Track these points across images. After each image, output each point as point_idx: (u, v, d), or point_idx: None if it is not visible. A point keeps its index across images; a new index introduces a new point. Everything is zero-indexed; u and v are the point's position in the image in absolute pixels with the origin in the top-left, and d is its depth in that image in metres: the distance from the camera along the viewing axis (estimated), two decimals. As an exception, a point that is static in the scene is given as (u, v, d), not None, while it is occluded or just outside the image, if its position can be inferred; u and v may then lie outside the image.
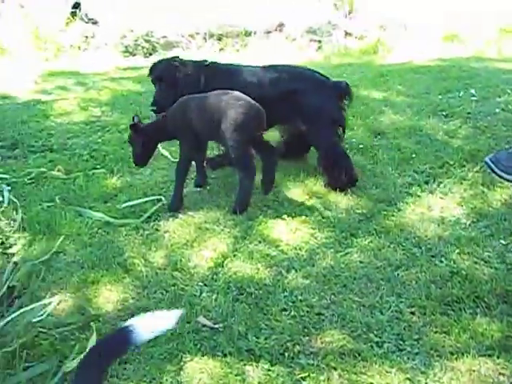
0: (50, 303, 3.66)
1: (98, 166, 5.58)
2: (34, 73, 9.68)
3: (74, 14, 12.26)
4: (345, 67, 9.25)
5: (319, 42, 10.81)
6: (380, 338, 3.32)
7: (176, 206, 4.59)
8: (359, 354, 3.19)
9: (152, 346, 3.26)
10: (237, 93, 4.43)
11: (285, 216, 4.49)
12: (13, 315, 3.56)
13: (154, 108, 4.99)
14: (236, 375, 3.06)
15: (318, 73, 5.13)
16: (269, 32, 11.22)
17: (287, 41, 10.90)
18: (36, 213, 4.66)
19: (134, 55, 11.33)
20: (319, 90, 4.96)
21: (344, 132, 5.13)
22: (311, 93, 4.89)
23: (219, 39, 11.28)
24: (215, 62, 5.19)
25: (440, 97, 7.19)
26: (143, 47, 11.33)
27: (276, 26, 11.24)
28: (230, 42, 11.15)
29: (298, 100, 4.77)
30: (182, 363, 3.15)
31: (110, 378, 3.06)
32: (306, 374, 3.05)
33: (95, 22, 12.26)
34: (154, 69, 5.12)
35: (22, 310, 3.60)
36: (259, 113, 4.36)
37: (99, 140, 6.27)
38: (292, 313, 3.50)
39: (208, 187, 5.04)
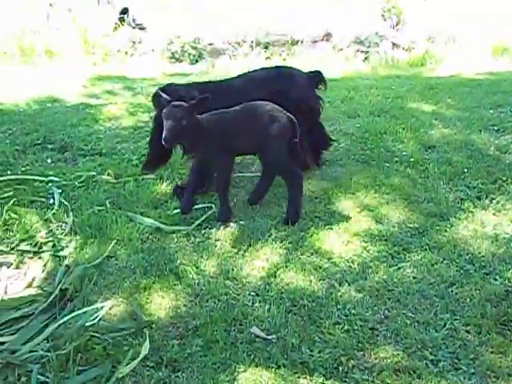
0: (102, 308, 3.68)
1: (148, 172, 5.58)
2: (82, 76, 9.82)
3: (121, 20, 12.40)
4: (393, 79, 9.20)
5: (366, 52, 10.75)
6: (435, 355, 3.25)
7: (225, 217, 4.57)
8: (414, 372, 3.13)
9: (205, 355, 3.25)
10: (271, 104, 4.51)
11: (336, 228, 4.46)
12: (65, 318, 3.59)
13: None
14: (290, 388, 3.03)
15: (293, 68, 5.59)
16: (315, 41, 11.21)
17: (334, 51, 10.88)
18: (87, 216, 4.69)
19: (181, 61, 11.41)
20: (298, 84, 5.29)
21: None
22: (292, 89, 5.19)
23: (266, 47, 11.29)
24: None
25: (491, 111, 7.10)
26: (190, 54, 11.40)
27: (323, 35, 11.23)
28: (277, 50, 11.15)
29: (283, 99, 4.86)
30: (235, 374, 3.12)
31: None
32: (362, 390, 3.01)
33: (142, 28, 12.39)
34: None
35: (74, 314, 3.63)
36: (294, 122, 4.48)
37: (147, 146, 6.27)
38: (345, 327, 3.46)
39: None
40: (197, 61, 11.39)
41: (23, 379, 3.19)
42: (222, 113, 4.48)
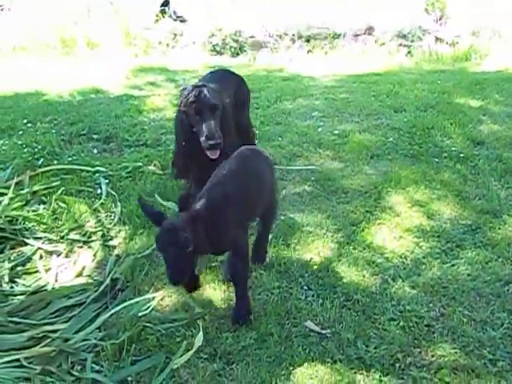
0: (153, 298, 3.67)
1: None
2: (124, 68, 9.84)
3: (163, 12, 12.40)
4: (438, 74, 9.05)
5: (409, 46, 10.60)
6: (493, 355, 3.18)
7: (247, 315, 3.40)
8: (473, 371, 3.07)
9: (260, 348, 3.22)
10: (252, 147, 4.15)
11: (388, 223, 4.40)
12: (117, 308, 3.59)
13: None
14: (347, 382, 2.98)
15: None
16: (357, 35, 11.09)
17: (376, 45, 10.75)
18: (135, 207, 4.67)
19: (222, 54, 11.38)
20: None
21: None
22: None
23: (307, 41, 11.20)
24: None
25: (541, 108, 6.95)
26: (231, 46, 11.36)
27: (365, 29, 11.10)
28: (319, 43, 11.06)
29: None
30: (290, 368, 3.09)
31: (218, 377, 3.03)
32: (420, 387, 2.95)
33: (183, 20, 12.38)
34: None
35: (126, 304, 3.63)
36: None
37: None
38: (401, 323, 3.40)
39: (309, 189, 4.95)
40: (238, 53, 11.35)
41: (77, 367, 3.19)
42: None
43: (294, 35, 11.31)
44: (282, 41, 11.29)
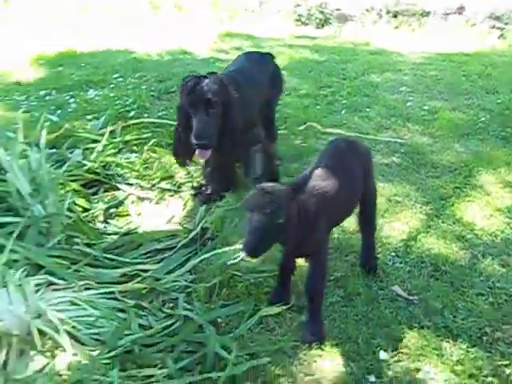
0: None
1: (281, 127, 5.60)
2: (211, 32, 9.91)
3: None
4: (534, 58, 8.77)
5: (502, 29, 10.30)
6: None
7: (321, 335, 3.08)
8: None
9: (346, 306, 3.27)
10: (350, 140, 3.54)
11: (478, 201, 4.35)
12: (207, 255, 3.69)
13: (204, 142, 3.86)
14: (433, 349, 3.00)
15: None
16: (447, 14, 10.82)
17: (467, 25, 10.48)
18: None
19: (306, 25, 11.32)
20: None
21: None
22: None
23: (395, 16, 11.02)
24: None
25: None
26: (316, 18, 11.29)
27: (456, 8, 10.82)
28: (406, 20, 10.87)
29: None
30: (377, 328, 3.13)
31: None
32: (507, 363, 2.94)
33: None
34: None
35: (215, 252, 3.72)
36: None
37: (280, 102, 6.27)
38: (490, 299, 3.38)
39: (398, 161, 4.94)
40: (323, 25, 11.27)
41: (168, 305, 3.31)
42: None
43: (381, 10, 11.13)
44: (369, 15, 11.14)
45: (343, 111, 6.05)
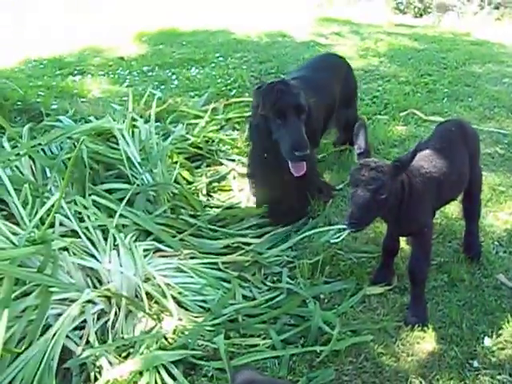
0: (344, 229, 3.76)
1: (382, 113, 5.59)
2: (309, 16, 9.90)
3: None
4: None
5: None
6: None
7: (424, 318, 3.07)
8: None
9: (449, 291, 3.27)
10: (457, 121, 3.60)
11: None
12: (309, 232, 3.74)
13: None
14: (532, 340, 2.97)
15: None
16: (551, 6, 10.48)
17: None
18: (324, 146, 4.78)
19: (405, 13, 11.17)
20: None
21: None
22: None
23: (496, 8, 10.74)
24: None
25: None
26: (415, 6, 11.13)
27: (561, 1, 10.46)
28: (509, 12, 10.58)
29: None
30: (481, 314, 3.11)
31: (406, 310, 3.10)
32: None
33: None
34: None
35: (317, 230, 3.76)
36: None
37: (380, 88, 6.30)
38: None
39: (501, 152, 4.86)
40: (421, 14, 11.10)
41: (271, 278, 3.38)
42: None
43: (482, 1, 10.88)
44: (469, 5, 10.89)
45: (444, 100, 5.97)
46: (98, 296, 3.01)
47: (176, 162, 4.23)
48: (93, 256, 3.24)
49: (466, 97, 6.08)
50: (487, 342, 2.92)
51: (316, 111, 3.75)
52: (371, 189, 2.63)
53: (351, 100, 4.63)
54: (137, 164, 3.91)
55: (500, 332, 2.99)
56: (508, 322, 3.05)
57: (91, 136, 4.07)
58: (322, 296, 3.23)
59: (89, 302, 2.99)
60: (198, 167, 4.52)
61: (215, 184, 4.35)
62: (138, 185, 3.76)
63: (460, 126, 3.37)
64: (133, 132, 4.23)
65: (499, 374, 2.76)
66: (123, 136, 4.04)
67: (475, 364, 2.80)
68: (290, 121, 3.41)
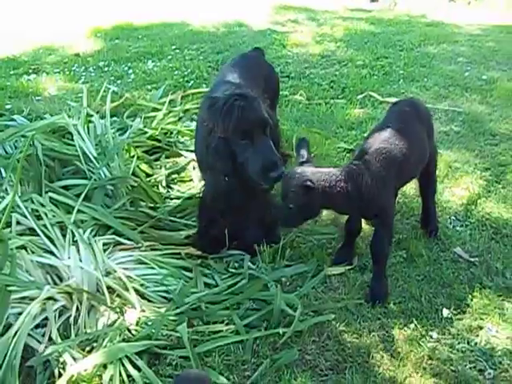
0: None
1: (340, 97, 5.64)
2: (265, 5, 9.89)
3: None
4: None
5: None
6: None
7: (384, 294, 3.12)
8: None
9: (408, 267, 3.33)
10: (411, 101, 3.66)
11: (538, 168, 4.32)
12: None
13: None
14: (495, 308, 3.04)
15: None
16: (504, -13, 10.55)
17: (524, -2, 10.21)
18: (283, 131, 4.78)
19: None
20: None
21: None
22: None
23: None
24: None
25: None
26: (370, -9, 11.17)
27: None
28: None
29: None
30: (439, 287, 3.18)
31: (367, 288, 3.16)
32: None
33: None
34: None
35: (277, 215, 3.76)
36: None
37: (337, 73, 6.35)
38: (551, 261, 3.39)
39: (456, 129, 4.93)
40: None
41: (233, 264, 3.40)
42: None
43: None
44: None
45: (400, 81, 6.05)
46: (59, 292, 2.99)
47: (134, 156, 4.19)
48: (52, 253, 3.22)
49: (421, 77, 6.16)
50: (445, 313, 2.98)
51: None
52: (284, 200, 2.90)
53: (274, 101, 4.11)
54: (93, 159, 3.88)
55: (458, 303, 3.05)
56: (465, 293, 3.11)
57: (46, 133, 4.04)
58: (283, 279, 3.25)
59: (49, 299, 2.96)
60: (157, 159, 4.50)
61: (175, 175, 4.34)
62: (95, 180, 3.74)
63: (413, 105, 3.42)
64: (88, 127, 4.18)
65: (458, 343, 2.81)
66: (78, 132, 4.00)
67: (434, 335, 2.86)
68: (258, 140, 2.99)
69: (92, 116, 4.41)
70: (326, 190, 2.86)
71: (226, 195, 3.22)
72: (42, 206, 3.44)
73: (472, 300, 3.08)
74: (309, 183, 2.79)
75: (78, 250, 3.21)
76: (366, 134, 4.31)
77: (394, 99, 5.34)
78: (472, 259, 3.38)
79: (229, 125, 2.95)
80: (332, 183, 2.87)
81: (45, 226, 3.35)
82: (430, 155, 3.38)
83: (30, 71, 6.68)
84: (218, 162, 3.08)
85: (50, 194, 3.58)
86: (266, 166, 2.93)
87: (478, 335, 2.88)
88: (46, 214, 3.40)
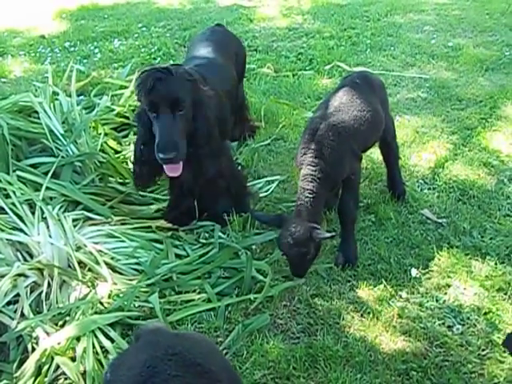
0: (273, 181, 3.83)
1: (308, 68, 5.65)
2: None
3: None
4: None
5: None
6: None
7: (354, 257, 3.18)
8: None
9: (378, 230, 3.36)
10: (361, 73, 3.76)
11: (503, 130, 4.38)
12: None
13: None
14: (462, 266, 3.09)
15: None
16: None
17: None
18: (252, 104, 4.80)
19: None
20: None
21: None
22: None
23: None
24: None
25: None
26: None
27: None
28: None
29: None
30: (408, 248, 3.22)
31: (337, 252, 3.20)
32: (536, 277, 3.01)
33: None
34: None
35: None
36: None
37: (304, 45, 6.35)
38: (517, 219, 3.45)
39: (423, 95, 4.97)
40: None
41: (203, 235, 3.41)
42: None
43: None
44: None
45: (368, 51, 6.06)
46: (30, 269, 3.00)
47: (101, 133, 4.17)
48: (21, 230, 3.21)
49: (388, 46, 6.19)
50: (414, 273, 3.02)
51: (219, 101, 3.38)
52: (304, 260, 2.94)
53: (242, 76, 4.25)
54: (60, 136, 3.85)
55: (426, 263, 3.11)
56: (434, 253, 3.17)
57: (12, 113, 3.98)
58: (254, 247, 3.28)
59: (20, 275, 2.96)
60: (125, 136, 4.47)
61: (144, 151, 4.30)
62: (62, 157, 3.71)
63: (365, 77, 3.46)
64: (54, 105, 4.14)
65: (427, 301, 2.87)
66: (44, 110, 3.97)
67: (404, 295, 2.91)
68: (161, 117, 2.94)
69: (58, 94, 4.36)
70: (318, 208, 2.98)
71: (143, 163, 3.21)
72: (10, 184, 3.42)
73: (440, 259, 3.13)
74: (311, 233, 2.83)
75: (48, 227, 3.21)
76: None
77: (361, 68, 5.39)
78: (440, 220, 3.43)
79: (141, 93, 2.97)
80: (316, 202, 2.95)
81: (13, 204, 3.33)
82: (386, 125, 3.41)
83: (-4, 54, 6.59)
84: (138, 128, 3.20)
85: (18, 172, 3.54)
86: (158, 146, 2.91)
87: (446, 293, 2.93)
88: (14, 193, 3.38)
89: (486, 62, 5.64)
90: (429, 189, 3.72)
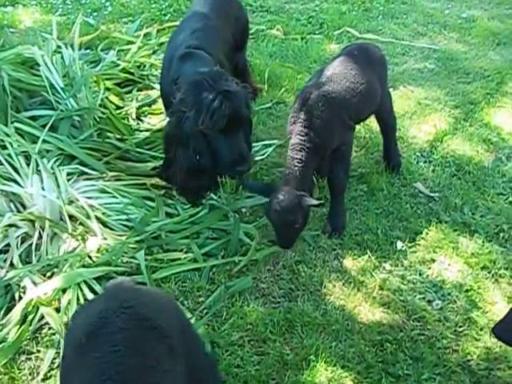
0: (270, 145, 3.83)
1: (317, 32, 5.59)
2: None
3: None
4: None
5: None
6: None
7: (341, 226, 3.21)
8: None
9: (368, 200, 3.38)
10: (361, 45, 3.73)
11: (508, 107, 4.34)
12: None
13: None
14: (450, 242, 3.10)
15: None
16: None
17: None
18: (257, 66, 4.77)
19: None
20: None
21: None
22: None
23: None
24: None
25: None
26: None
27: None
28: None
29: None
30: (396, 220, 3.25)
31: (325, 220, 3.22)
32: (522, 257, 3.03)
33: None
34: None
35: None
36: None
37: (316, 8, 6.25)
38: (510, 198, 3.45)
39: (430, 66, 4.93)
40: None
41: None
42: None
43: None
44: None
45: (380, 17, 5.98)
46: (21, 220, 3.04)
47: (104, 88, 4.17)
48: (15, 181, 3.24)
49: (401, 14, 6.09)
50: (400, 245, 3.05)
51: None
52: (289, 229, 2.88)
53: (242, 43, 4.15)
54: (60, 90, 3.85)
55: (413, 236, 3.12)
56: (422, 227, 3.18)
57: (13, 64, 3.98)
58: (243, 210, 3.31)
59: (12, 226, 3.00)
60: (129, 92, 4.47)
61: (146, 108, 4.32)
62: (61, 110, 3.72)
63: (364, 49, 3.44)
64: (56, 59, 4.14)
65: (410, 274, 2.89)
66: (45, 63, 3.96)
67: (387, 267, 2.94)
68: (231, 134, 3.03)
69: (61, 48, 4.35)
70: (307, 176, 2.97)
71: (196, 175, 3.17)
72: (7, 135, 3.44)
73: (428, 234, 3.14)
74: (299, 201, 2.81)
75: (42, 179, 3.24)
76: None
77: (371, 35, 5.34)
78: (432, 194, 3.44)
79: (204, 117, 2.93)
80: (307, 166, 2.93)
81: (9, 155, 3.36)
82: (383, 101, 3.39)
83: (7, 3, 6.54)
84: (190, 141, 3.08)
85: (16, 124, 3.56)
86: (235, 159, 3.03)
87: (430, 268, 2.96)
88: (11, 144, 3.40)
89: (499, 35, 5.56)
90: (425, 162, 3.72)
